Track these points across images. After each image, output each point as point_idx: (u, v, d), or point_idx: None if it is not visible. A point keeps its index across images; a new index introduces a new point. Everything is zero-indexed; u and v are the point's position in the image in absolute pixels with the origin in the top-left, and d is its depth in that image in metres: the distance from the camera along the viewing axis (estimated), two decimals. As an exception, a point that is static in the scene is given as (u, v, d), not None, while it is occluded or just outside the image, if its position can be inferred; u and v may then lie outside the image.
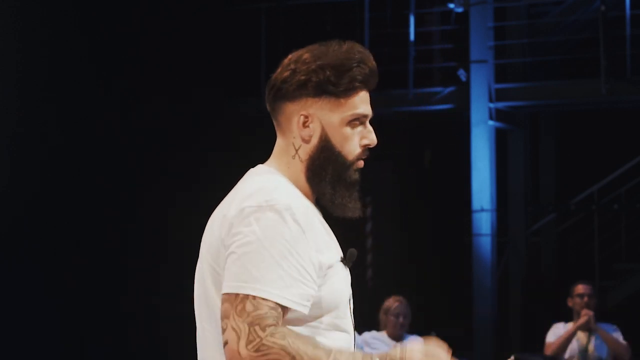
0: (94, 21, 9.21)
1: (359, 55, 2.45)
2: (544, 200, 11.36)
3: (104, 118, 9.12)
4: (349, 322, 2.46)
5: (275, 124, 2.52)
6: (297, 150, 2.47)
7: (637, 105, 10.59)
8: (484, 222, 10.02)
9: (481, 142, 10.06)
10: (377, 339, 7.98)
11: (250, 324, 2.24)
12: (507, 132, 10.77)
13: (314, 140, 2.45)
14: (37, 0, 8.81)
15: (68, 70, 8.95)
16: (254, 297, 2.25)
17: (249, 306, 2.25)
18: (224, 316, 2.28)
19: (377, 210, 11.69)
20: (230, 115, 9.88)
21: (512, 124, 10.64)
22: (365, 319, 6.79)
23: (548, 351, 7.92)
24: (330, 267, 2.39)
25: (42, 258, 8.72)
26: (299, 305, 2.29)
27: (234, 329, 2.25)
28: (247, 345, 2.23)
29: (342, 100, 2.44)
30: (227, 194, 2.46)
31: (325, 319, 2.39)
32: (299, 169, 2.47)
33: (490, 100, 10.12)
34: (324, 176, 2.45)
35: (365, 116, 2.48)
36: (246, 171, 2.52)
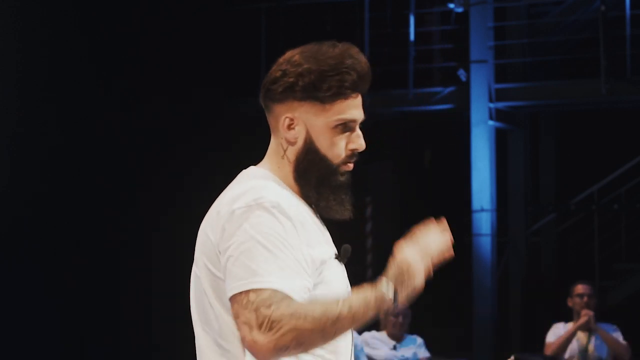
0: (94, 21, 9.21)
1: (349, 60, 2.43)
2: (544, 200, 11.36)
3: (104, 118, 9.12)
4: None
5: (268, 123, 2.53)
6: (285, 151, 2.48)
7: (637, 105, 10.59)
8: (484, 222, 10.02)
9: (481, 142, 10.06)
10: (377, 338, 7.99)
11: (256, 310, 2.24)
12: (507, 132, 10.76)
13: (300, 143, 2.46)
14: (37, 0, 8.81)
15: (68, 70, 8.95)
16: (256, 290, 2.26)
17: (252, 296, 2.25)
18: (235, 317, 2.29)
19: (377, 210, 11.69)
20: (230, 115, 9.88)
21: (512, 124, 10.64)
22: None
23: (548, 351, 7.93)
24: (323, 262, 2.39)
25: (42, 258, 8.72)
26: (298, 295, 2.29)
27: (244, 322, 2.26)
28: (259, 329, 2.23)
29: (327, 106, 2.43)
30: (226, 195, 2.46)
31: None
32: (288, 169, 2.48)
33: (490, 100, 10.12)
34: (309, 179, 2.46)
35: (353, 121, 2.48)
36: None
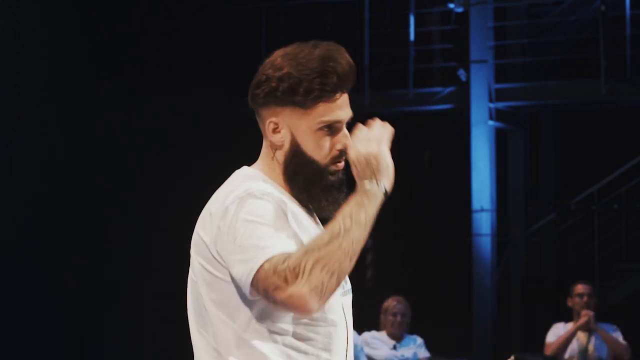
0: (94, 21, 9.21)
1: (330, 62, 2.42)
2: (544, 200, 11.36)
3: (104, 118, 9.11)
4: (338, 315, 2.45)
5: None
6: (274, 153, 2.49)
7: (637, 105, 10.59)
8: (484, 222, 10.02)
9: (481, 142, 10.06)
10: (377, 338, 7.99)
11: (275, 271, 2.23)
12: (507, 132, 10.76)
13: (286, 146, 2.46)
14: (37, 0, 8.81)
15: (68, 71, 8.95)
16: (267, 259, 2.25)
17: (266, 266, 2.25)
18: (268, 296, 2.26)
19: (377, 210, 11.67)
20: (230, 115, 9.87)
21: (512, 124, 10.64)
22: (365, 319, 6.79)
23: (548, 351, 7.92)
24: None
25: (42, 258, 8.71)
26: None
27: (274, 290, 2.24)
28: (287, 284, 2.22)
29: (309, 110, 2.43)
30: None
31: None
32: (278, 171, 2.49)
33: (490, 100, 10.12)
34: (297, 180, 2.47)
35: (338, 122, 2.47)
36: None
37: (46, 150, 8.77)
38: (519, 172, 10.87)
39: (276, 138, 2.47)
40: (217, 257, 2.38)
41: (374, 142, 2.43)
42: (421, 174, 12.05)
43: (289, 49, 2.47)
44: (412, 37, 10.45)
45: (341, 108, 2.46)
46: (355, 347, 7.24)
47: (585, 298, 7.91)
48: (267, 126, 2.47)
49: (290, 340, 2.38)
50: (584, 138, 11.41)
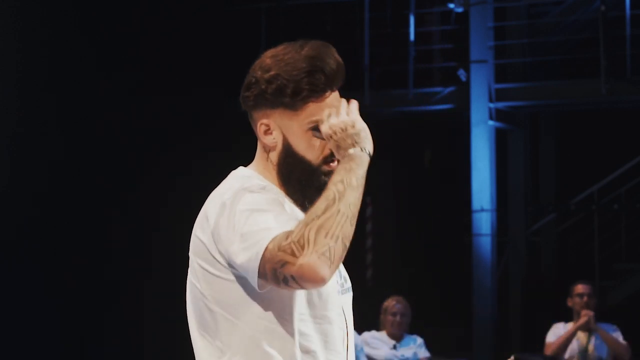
0: (94, 21, 9.21)
1: (317, 62, 2.41)
2: (544, 200, 11.36)
3: (104, 118, 9.12)
4: (337, 313, 2.45)
5: None
6: (268, 155, 2.49)
7: (637, 105, 10.59)
8: (484, 222, 10.02)
9: (481, 142, 10.06)
10: (377, 338, 7.99)
11: (279, 248, 2.22)
12: (507, 132, 10.77)
13: (279, 147, 2.47)
14: (37, 0, 8.81)
15: (68, 71, 8.95)
16: (270, 240, 2.24)
17: (270, 246, 2.24)
18: (276, 274, 2.24)
19: (377, 210, 11.69)
20: (230, 115, 9.86)
21: (512, 124, 10.64)
22: (365, 319, 6.79)
23: (548, 351, 7.93)
24: None
25: (42, 258, 8.71)
26: None
27: (282, 266, 2.22)
28: (295, 256, 2.20)
29: (299, 110, 2.43)
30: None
31: (308, 309, 2.39)
32: (273, 172, 2.49)
33: (490, 100, 10.12)
34: (291, 181, 2.47)
35: None
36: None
37: (46, 150, 8.77)
38: (519, 172, 10.87)
39: (268, 140, 2.47)
40: (217, 257, 2.37)
41: (343, 112, 2.42)
42: (421, 174, 12.05)
43: (277, 50, 2.47)
44: (412, 37, 10.45)
45: (331, 107, 2.45)
46: (355, 347, 7.24)
47: (585, 298, 7.92)
48: (259, 128, 2.48)
49: (293, 336, 2.37)
50: (584, 138, 11.41)
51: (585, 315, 7.84)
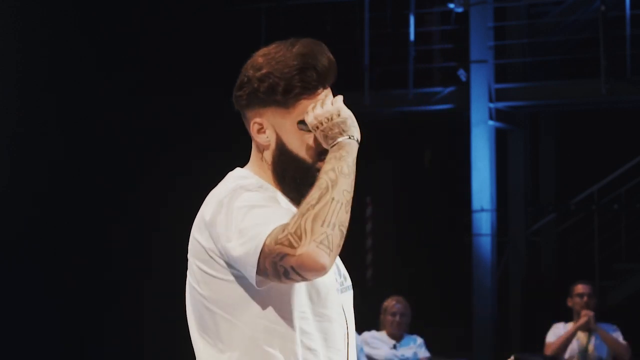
0: (94, 21, 9.21)
1: (308, 59, 2.41)
2: (544, 200, 11.37)
3: (104, 118, 9.11)
4: (336, 312, 2.45)
5: None
6: (262, 154, 2.49)
7: (637, 105, 10.59)
8: (484, 222, 10.02)
9: (481, 142, 10.06)
10: (377, 338, 7.99)
11: (276, 241, 2.22)
12: (507, 132, 10.77)
13: (272, 146, 2.47)
14: (37, 0, 8.81)
15: (68, 71, 8.95)
16: (267, 235, 2.24)
17: (268, 241, 2.23)
18: (277, 269, 2.24)
19: (377, 210, 11.69)
20: (230, 115, 9.86)
21: (512, 124, 10.65)
22: (365, 319, 6.79)
23: (548, 351, 7.93)
24: None
25: (42, 258, 8.71)
26: None
27: (282, 257, 2.21)
28: (293, 247, 2.20)
29: (291, 108, 2.43)
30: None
31: (307, 307, 2.39)
32: (269, 172, 2.49)
33: (490, 100, 10.12)
34: (286, 179, 2.47)
35: None
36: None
37: (46, 150, 8.77)
38: (519, 172, 10.87)
39: (261, 138, 2.47)
40: (215, 258, 2.38)
41: (328, 102, 2.42)
42: (421, 174, 12.05)
43: (268, 49, 2.46)
44: (412, 37, 10.45)
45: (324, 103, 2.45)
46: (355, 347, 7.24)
47: (585, 298, 7.92)
48: (252, 127, 2.48)
49: (294, 334, 2.37)
50: (584, 138, 11.41)
51: (585, 315, 7.84)
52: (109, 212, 9.11)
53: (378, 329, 8.05)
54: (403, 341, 8.00)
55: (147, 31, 9.46)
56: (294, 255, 2.20)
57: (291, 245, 2.20)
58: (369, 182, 10.96)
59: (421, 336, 8.08)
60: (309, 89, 2.42)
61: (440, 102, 10.35)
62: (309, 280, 2.29)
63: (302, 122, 2.43)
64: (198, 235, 2.41)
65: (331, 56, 2.45)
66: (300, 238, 2.20)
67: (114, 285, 9.12)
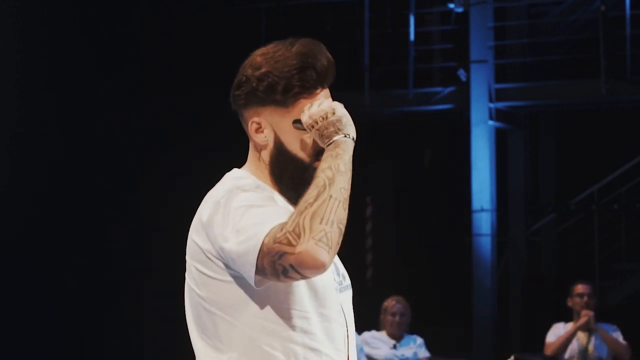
0: (94, 21, 9.21)
1: (307, 59, 2.41)
2: (544, 200, 11.36)
3: (104, 118, 9.11)
4: (335, 311, 2.44)
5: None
6: (260, 154, 2.49)
7: (637, 105, 10.59)
8: (484, 222, 10.02)
9: (481, 142, 10.06)
10: (377, 338, 7.99)
11: (275, 240, 2.21)
12: (507, 132, 10.77)
13: (270, 146, 2.46)
14: (37, 0, 8.81)
15: (68, 71, 8.95)
16: (265, 235, 2.24)
17: (266, 240, 2.23)
18: (275, 267, 2.23)
19: (377, 210, 11.69)
20: (230, 115, 9.87)
21: (512, 124, 10.64)
22: (365, 319, 6.79)
23: (548, 351, 7.93)
24: None
25: (42, 258, 8.71)
26: None
27: (281, 255, 2.21)
28: (292, 245, 2.19)
29: (290, 107, 2.43)
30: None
31: (306, 307, 2.39)
32: (266, 172, 2.49)
33: (490, 100, 10.12)
34: (284, 179, 2.46)
35: None
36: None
37: (46, 150, 8.77)
38: (519, 172, 10.87)
39: (259, 138, 2.47)
40: (213, 259, 2.38)
41: (323, 102, 2.42)
42: (421, 174, 12.05)
43: (267, 48, 2.46)
44: (412, 37, 10.45)
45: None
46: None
47: (585, 298, 7.91)
48: (250, 127, 2.47)
49: (294, 334, 2.37)
50: (584, 138, 11.41)
51: (585, 315, 7.84)
52: (109, 212, 9.11)
53: (378, 329, 8.05)
54: (403, 341, 8.00)
55: (147, 31, 9.46)
56: (293, 254, 2.19)
57: (290, 244, 2.19)
58: (369, 182, 10.97)
59: (421, 336, 8.08)
60: (308, 89, 2.42)
61: (440, 102, 10.35)
62: (308, 278, 2.28)
63: (297, 121, 2.43)
64: (195, 236, 2.41)
65: (330, 56, 2.45)
66: (298, 236, 2.19)
67: (114, 285, 9.12)
